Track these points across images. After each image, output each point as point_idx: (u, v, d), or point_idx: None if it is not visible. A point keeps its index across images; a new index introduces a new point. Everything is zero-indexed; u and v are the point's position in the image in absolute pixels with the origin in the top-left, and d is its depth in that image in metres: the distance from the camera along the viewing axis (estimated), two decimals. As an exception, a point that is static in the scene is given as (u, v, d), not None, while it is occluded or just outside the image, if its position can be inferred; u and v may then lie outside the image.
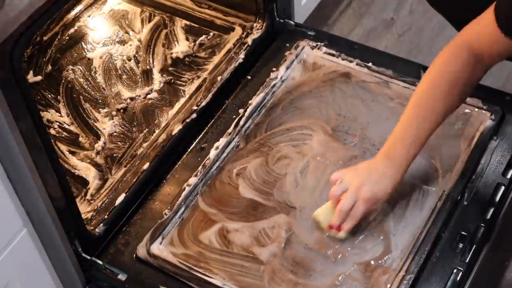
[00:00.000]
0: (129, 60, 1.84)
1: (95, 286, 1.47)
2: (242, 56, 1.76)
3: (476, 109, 1.61)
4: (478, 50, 1.35)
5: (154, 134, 1.66)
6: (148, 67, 1.83)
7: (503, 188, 1.48)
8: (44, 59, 1.84)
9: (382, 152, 1.40)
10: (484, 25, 1.34)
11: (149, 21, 1.93)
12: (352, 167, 1.45)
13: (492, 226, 1.44)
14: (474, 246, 1.40)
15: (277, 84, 1.72)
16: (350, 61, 1.74)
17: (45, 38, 1.87)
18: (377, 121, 1.63)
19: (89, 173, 1.61)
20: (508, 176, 1.50)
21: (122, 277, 1.43)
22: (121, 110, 1.74)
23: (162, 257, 1.43)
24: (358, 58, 1.74)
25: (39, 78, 1.79)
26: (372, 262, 1.40)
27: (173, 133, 1.62)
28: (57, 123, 1.71)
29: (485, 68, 1.39)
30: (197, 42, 1.87)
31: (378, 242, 1.43)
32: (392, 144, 1.39)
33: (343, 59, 1.75)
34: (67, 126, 1.71)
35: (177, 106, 1.72)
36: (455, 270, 1.37)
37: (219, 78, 1.72)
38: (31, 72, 1.80)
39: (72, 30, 1.90)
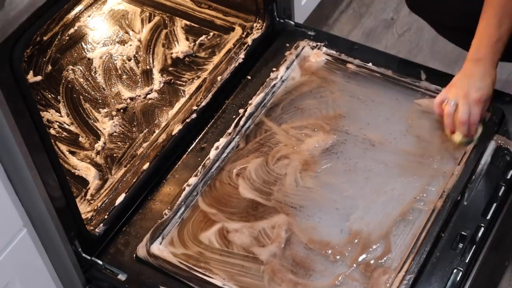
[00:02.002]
0: (129, 60, 1.84)
1: (95, 286, 1.47)
2: (242, 56, 1.76)
3: (476, 109, 1.61)
4: None
5: (154, 134, 1.66)
6: (148, 67, 1.83)
7: (503, 188, 1.48)
8: (44, 59, 1.84)
9: (469, 58, 1.51)
10: None
11: (149, 21, 1.93)
12: (448, 86, 1.54)
13: (492, 226, 1.44)
14: (474, 246, 1.40)
15: (277, 84, 1.71)
16: (350, 61, 1.74)
17: (45, 38, 1.87)
18: (377, 121, 1.63)
19: (89, 173, 1.61)
20: (508, 176, 1.50)
21: (122, 277, 1.43)
22: (121, 110, 1.74)
23: (162, 257, 1.43)
24: (358, 58, 1.74)
25: (39, 78, 1.79)
26: (372, 262, 1.40)
27: (173, 133, 1.62)
28: (57, 123, 1.71)
29: None
30: (197, 42, 1.87)
31: (378, 242, 1.43)
32: (477, 47, 1.50)
33: (343, 59, 1.75)
34: (67, 126, 1.71)
35: (177, 106, 1.72)
36: (455, 270, 1.37)
37: (219, 78, 1.72)
38: (31, 72, 1.80)
39: (72, 30, 1.90)
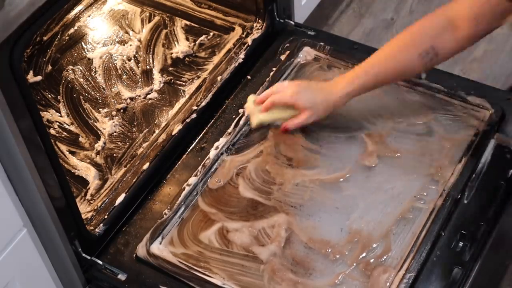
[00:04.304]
0: (129, 60, 1.84)
1: (95, 286, 1.47)
2: (242, 56, 1.76)
3: (476, 108, 1.61)
4: (456, 16, 1.40)
5: (154, 134, 1.66)
6: (148, 67, 1.83)
7: (503, 187, 1.48)
8: (44, 59, 1.84)
9: (332, 80, 1.56)
10: None
11: (149, 21, 1.93)
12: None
13: (492, 225, 1.44)
14: (474, 245, 1.40)
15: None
16: (350, 61, 1.74)
17: (45, 38, 1.87)
18: (377, 120, 1.63)
19: (89, 173, 1.61)
20: (509, 175, 1.50)
21: (122, 277, 1.43)
22: (121, 110, 1.74)
23: (162, 257, 1.43)
24: (358, 58, 1.74)
25: (39, 78, 1.80)
26: (372, 261, 1.40)
27: (173, 133, 1.62)
28: (57, 123, 1.71)
29: (457, 40, 1.42)
30: (197, 42, 1.87)
31: (378, 240, 1.43)
32: (341, 78, 1.53)
33: (343, 59, 1.75)
34: (67, 126, 1.71)
35: (177, 106, 1.72)
36: (455, 269, 1.37)
37: (219, 78, 1.72)
38: (31, 72, 1.80)
39: (72, 30, 1.91)
